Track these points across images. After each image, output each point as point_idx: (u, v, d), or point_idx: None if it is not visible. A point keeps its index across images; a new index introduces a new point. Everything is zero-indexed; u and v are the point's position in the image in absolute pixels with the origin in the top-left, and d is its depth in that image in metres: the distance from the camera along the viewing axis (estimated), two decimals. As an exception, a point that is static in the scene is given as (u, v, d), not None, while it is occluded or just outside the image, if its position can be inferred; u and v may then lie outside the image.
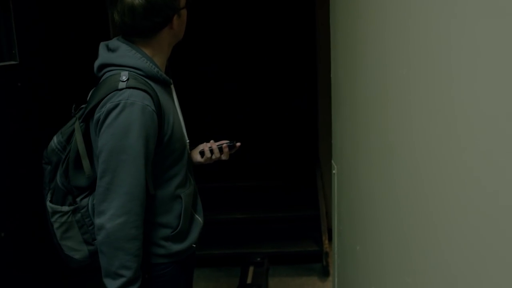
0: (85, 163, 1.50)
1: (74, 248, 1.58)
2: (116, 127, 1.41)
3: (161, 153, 1.52)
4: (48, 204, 1.57)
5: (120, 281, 1.43)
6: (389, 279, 1.08)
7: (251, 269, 2.96)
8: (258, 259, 3.06)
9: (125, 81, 1.45)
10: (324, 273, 3.73)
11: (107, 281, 1.45)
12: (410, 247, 0.93)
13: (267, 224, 4.05)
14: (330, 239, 3.97)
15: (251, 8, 4.59)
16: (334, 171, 1.71)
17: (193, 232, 1.69)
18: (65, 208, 1.55)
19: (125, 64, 1.50)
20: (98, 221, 1.44)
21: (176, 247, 1.61)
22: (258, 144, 4.54)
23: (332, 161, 1.74)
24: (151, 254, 1.56)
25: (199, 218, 1.74)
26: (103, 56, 1.55)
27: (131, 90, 1.44)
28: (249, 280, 2.82)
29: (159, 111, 1.49)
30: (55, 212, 1.55)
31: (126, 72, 1.48)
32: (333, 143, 1.74)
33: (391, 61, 1.01)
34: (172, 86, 1.67)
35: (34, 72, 2.08)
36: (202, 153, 1.77)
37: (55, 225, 1.57)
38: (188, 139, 1.69)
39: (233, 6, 4.57)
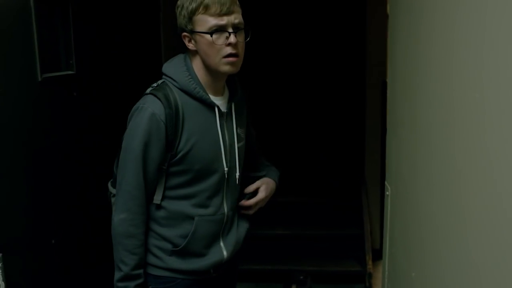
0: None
1: None
2: (129, 128, 1.53)
3: (174, 167, 1.55)
4: (109, 186, 1.69)
5: (119, 274, 1.52)
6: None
7: (293, 287, 2.92)
8: (301, 277, 3.01)
9: (153, 87, 1.55)
10: (367, 294, 3.64)
11: (115, 270, 1.53)
12: (478, 281, 0.88)
13: (309, 241, 3.99)
14: (374, 259, 3.88)
15: (301, 20, 4.56)
16: (387, 193, 1.66)
17: (209, 257, 1.64)
18: (113, 190, 1.63)
19: (165, 73, 1.58)
20: (112, 214, 1.56)
21: (177, 264, 1.59)
22: (303, 160, 4.50)
23: (386, 183, 1.69)
24: (147, 263, 1.58)
25: (223, 248, 1.67)
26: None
27: (151, 96, 1.51)
28: (291, 299, 2.77)
29: (173, 123, 1.52)
30: (110, 193, 1.66)
31: (162, 80, 1.57)
32: (387, 163, 1.69)
33: (461, 82, 0.96)
34: (228, 112, 1.63)
35: (89, 82, 2.12)
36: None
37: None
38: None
39: (284, 17, 4.54)
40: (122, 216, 1.51)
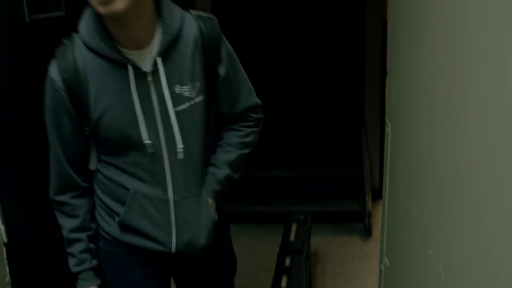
0: None
1: None
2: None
3: (95, 135, 1.43)
4: None
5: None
6: (450, 242, 1.02)
7: (294, 226, 2.95)
8: (301, 216, 3.04)
9: (61, 44, 1.40)
10: (366, 232, 3.69)
11: None
12: (479, 212, 0.87)
13: (310, 183, 4.03)
14: (373, 199, 3.92)
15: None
16: (388, 129, 1.64)
17: (154, 243, 1.51)
18: None
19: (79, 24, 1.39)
20: None
21: (120, 234, 1.53)
22: (302, 101, 4.46)
23: (386, 119, 1.66)
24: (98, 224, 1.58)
25: (173, 239, 1.51)
26: None
27: (53, 59, 1.39)
28: (291, 237, 2.81)
29: (76, 88, 1.35)
30: None
31: (73, 36, 1.40)
32: (387, 100, 1.66)
33: (470, 17, 0.92)
34: (156, 69, 1.38)
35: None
36: None
37: None
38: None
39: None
40: (50, 186, 1.50)
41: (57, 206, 1.52)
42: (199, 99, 1.45)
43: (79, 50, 1.35)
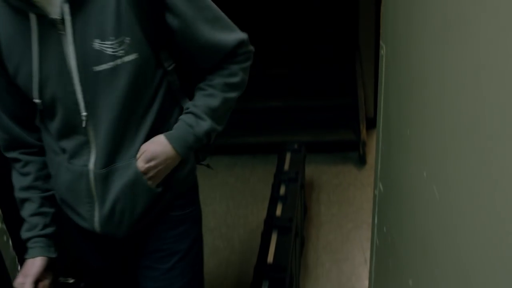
0: None
1: None
2: None
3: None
4: None
5: None
6: (446, 164, 1.01)
7: (288, 155, 2.95)
8: (295, 146, 3.04)
9: None
10: (361, 161, 3.71)
11: None
12: (476, 130, 0.84)
13: (303, 113, 4.00)
14: (368, 128, 3.91)
15: None
16: (382, 52, 1.59)
17: (79, 218, 1.39)
18: None
19: None
20: None
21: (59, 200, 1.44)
22: (294, 28, 4.35)
23: (381, 42, 1.61)
24: None
25: (95, 217, 1.36)
26: None
27: None
28: (286, 167, 2.81)
29: None
30: None
31: None
32: (382, 21, 1.59)
33: None
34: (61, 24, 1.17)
35: None
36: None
37: None
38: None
39: None
40: None
41: (11, 164, 1.39)
42: (129, 58, 1.20)
43: None
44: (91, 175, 1.30)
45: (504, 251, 0.75)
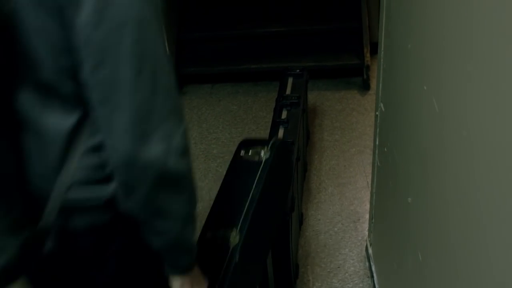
0: None
1: None
2: None
3: None
4: None
5: None
6: (445, 76, 0.97)
7: (290, 80, 2.89)
8: (298, 70, 2.97)
9: None
10: (365, 86, 3.64)
11: None
12: (476, 43, 0.80)
13: (306, 37, 3.88)
14: (372, 53, 3.81)
15: None
16: (385, -36, 1.51)
17: None
18: None
19: None
20: None
21: None
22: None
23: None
24: None
25: None
26: None
27: None
28: (288, 91, 2.77)
29: None
30: None
31: None
32: None
33: None
34: None
35: None
36: None
37: None
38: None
39: None
40: None
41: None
42: None
43: None
44: None
45: (505, 163, 0.72)
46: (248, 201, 1.29)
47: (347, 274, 2.26)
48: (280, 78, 2.95)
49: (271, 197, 1.42)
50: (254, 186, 1.32)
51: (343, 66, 3.74)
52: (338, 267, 2.31)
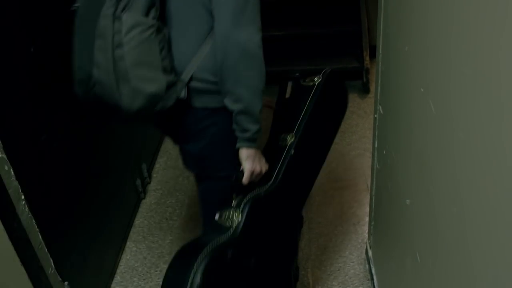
0: None
1: (150, 77, 1.35)
2: None
3: None
4: (128, 14, 1.29)
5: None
6: (440, 79, 0.98)
7: (289, 84, 2.90)
8: (297, 74, 2.98)
9: None
10: (364, 89, 3.66)
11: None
12: (472, 46, 0.81)
13: (305, 41, 3.90)
14: (372, 56, 3.83)
15: None
16: (382, -33, 1.52)
17: None
18: (151, 21, 1.31)
19: None
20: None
21: None
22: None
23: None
24: None
25: None
26: None
27: None
28: (287, 95, 2.77)
29: None
30: (136, 25, 1.29)
31: None
32: None
33: None
34: None
35: None
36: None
37: (132, 44, 1.29)
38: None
39: None
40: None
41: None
42: None
43: None
44: None
45: (501, 164, 0.73)
46: (303, 112, 1.69)
47: (347, 276, 2.26)
48: (280, 83, 2.96)
49: (325, 110, 1.76)
50: (308, 102, 1.71)
51: (342, 69, 3.75)
52: (338, 270, 2.31)
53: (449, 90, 0.93)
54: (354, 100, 3.64)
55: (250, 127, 1.44)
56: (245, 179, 1.51)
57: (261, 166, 1.54)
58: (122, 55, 1.29)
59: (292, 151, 1.62)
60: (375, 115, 1.84)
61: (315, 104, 1.70)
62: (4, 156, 1.46)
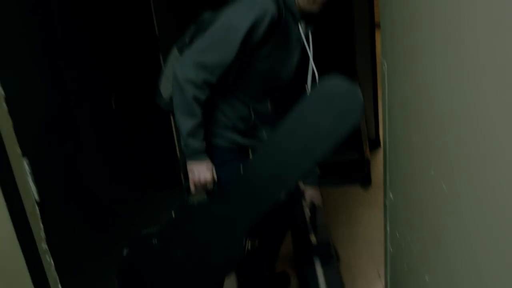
0: None
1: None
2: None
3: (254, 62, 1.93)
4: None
5: None
6: (452, 160, 1.11)
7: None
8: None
9: None
10: (366, 181, 3.81)
11: None
12: (479, 129, 0.96)
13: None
14: (371, 147, 4.03)
15: None
16: (384, 68, 1.71)
17: None
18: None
19: None
20: None
21: (238, 138, 2.10)
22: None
23: (381, 58, 1.74)
24: None
25: None
26: None
27: None
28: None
29: (273, 22, 1.83)
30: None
31: None
32: (382, 39, 1.73)
33: None
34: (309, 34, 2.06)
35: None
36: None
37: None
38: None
39: None
40: (193, 75, 1.86)
41: (198, 91, 1.82)
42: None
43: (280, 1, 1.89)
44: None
45: None
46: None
47: None
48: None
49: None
50: None
51: (343, 162, 3.92)
52: None
53: (461, 171, 1.06)
54: (357, 191, 3.77)
55: (183, 143, 1.86)
56: (191, 188, 1.92)
57: (200, 177, 1.91)
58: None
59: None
60: (385, 201, 1.95)
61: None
62: (47, 247, 1.56)
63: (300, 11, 1.96)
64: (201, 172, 1.91)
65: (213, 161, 1.96)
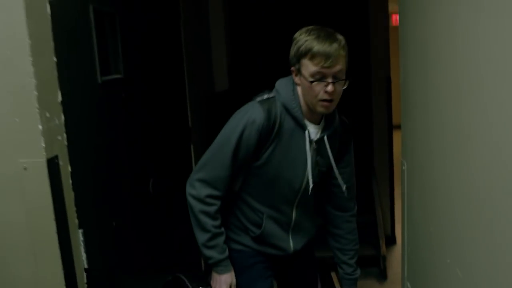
0: None
1: None
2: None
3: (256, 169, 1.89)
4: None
5: None
6: (466, 251, 1.27)
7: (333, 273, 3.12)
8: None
9: (263, 99, 1.84)
10: (382, 276, 3.87)
11: None
12: (489, 221, 1.13)
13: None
14: (387, 244, 4.13)
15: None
16: (404, 167, 1.91)
17: None
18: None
19: (277, 87, 1.88)
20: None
21: (250, 243, 2.06)
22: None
23: (402, 159, 1.93)
24: None
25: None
26: None
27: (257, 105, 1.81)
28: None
29: (268, 130, 1.79)
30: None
31: (272, 95, 1.85)
32: (402, 142, 1.93)
33: (462, 61, 1.21)
34: (316, 141, 1.89)
35: (133, 84, 2.38)
36: None
37: None
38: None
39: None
40: (201, 191, 1.88)
41: (204, 206, 1.85)
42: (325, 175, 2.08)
43: (279, 107, 1.82)
44: (292, 224, 2.06)
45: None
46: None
47: None
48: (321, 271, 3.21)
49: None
50: None
51: (361, 257, 4.00)
52: None
53: (474, 259, 1.22)
54: (373, 286, 3.83)
55: (201, 253, 1.92)
56: None
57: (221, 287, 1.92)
58: None
59: None
60: (404, 290, 2.07)
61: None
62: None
63: (309, 113, 1.84)
64: (220, 283, 1.94)
65: (234, 266, 1.97)
